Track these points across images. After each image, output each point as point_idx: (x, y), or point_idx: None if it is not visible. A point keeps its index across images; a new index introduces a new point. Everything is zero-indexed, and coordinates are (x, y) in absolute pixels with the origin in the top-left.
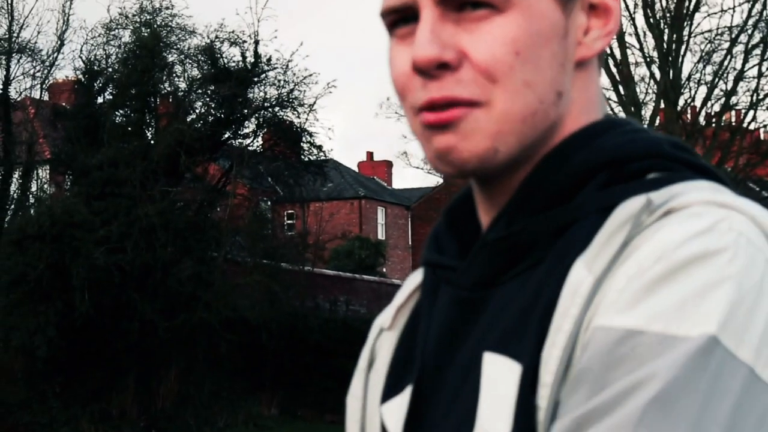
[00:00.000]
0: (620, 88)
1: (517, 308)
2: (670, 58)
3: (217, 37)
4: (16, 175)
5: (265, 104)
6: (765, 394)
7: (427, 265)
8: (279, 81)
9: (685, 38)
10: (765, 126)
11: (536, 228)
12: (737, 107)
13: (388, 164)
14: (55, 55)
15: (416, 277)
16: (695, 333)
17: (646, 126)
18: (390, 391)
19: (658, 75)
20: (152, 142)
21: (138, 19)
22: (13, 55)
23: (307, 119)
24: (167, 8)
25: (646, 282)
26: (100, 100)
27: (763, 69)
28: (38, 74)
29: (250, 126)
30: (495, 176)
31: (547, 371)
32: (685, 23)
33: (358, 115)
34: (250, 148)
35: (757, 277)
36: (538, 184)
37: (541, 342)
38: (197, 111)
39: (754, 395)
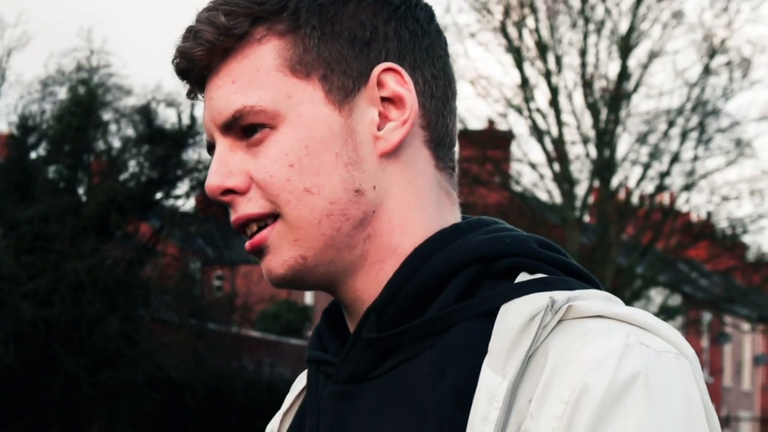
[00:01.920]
0: (554, 165)
1: (400, 408)
2: (606, 138)
3: (153, 97)
4: None
5: (199, 166)
6: None
7: (310, 362)
8: None
9: (623, 118)
10: (698, 209)
11: (415, 332)
12: (671, 189)
13: None
14: None
15: (302, 381)
16: None
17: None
18: None
19: (594, 153)
20: (84, 199)
21: (74, 77)
22: None
23: None
24: (105, 66)
25: (594, 408)
26: (33, 155)
27: (699, 153)
28: None
29: (183, 187)
30: (333, 282)
31: None
32: (623, 103)
33: None
34: (182, 209)
35: (690, 383)
36: (404, 281)
37: None
38: (130, 170)
39: None
